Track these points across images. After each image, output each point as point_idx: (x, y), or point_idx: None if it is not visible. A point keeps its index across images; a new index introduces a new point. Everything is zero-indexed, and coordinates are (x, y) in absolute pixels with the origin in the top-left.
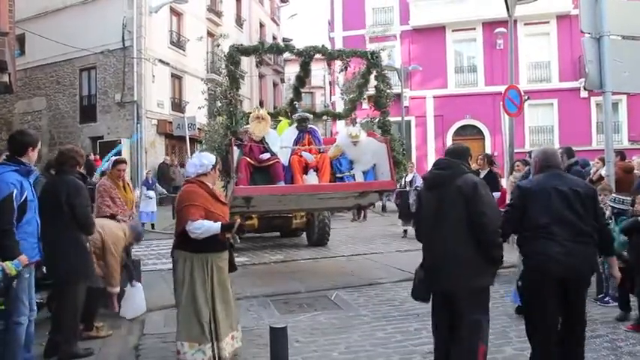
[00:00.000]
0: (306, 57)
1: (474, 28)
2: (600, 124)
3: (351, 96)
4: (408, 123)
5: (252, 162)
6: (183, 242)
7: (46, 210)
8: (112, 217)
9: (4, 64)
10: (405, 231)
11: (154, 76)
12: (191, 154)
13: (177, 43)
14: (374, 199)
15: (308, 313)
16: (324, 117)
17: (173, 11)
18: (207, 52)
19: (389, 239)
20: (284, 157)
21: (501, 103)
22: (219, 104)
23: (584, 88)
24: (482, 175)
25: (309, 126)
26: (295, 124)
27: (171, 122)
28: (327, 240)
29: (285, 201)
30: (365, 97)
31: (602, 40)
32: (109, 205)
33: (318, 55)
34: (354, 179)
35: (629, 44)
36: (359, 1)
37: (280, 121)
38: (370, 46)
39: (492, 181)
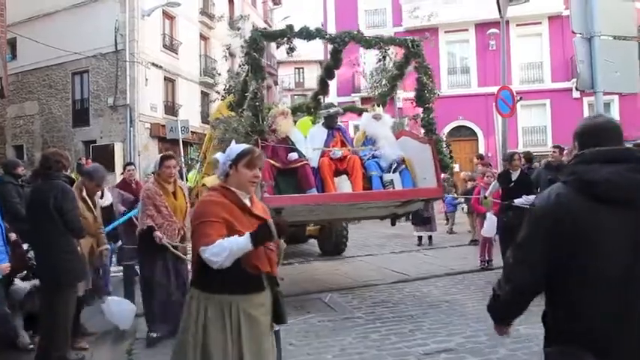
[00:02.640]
0: (339, 44)
1: (467, 30)
2: None
3: (381, 90)
4: (402, 124)
5: (277, 164)
6: (200, 277)
7: (35, 215)
8: (152, 230)
9: None
10: (420, 238)
11: (146, 79)
12: (184, 157)
13: (170, 47)
14: (415, 208)
15: (301, 315)
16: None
17: (166, 14)
18: (200, 55)
19: (383, 241)
20: (313, 160)
21: (494, 104)
22: (233, 97)
23: (576, 89)
24: (514, 177)
25: (338, 124)
26: (322, 122)
27: (164, 125)
28: (344, 249)
29: (317, 211)
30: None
31: (593, 41)
32: (152, 216)
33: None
34: (383, 182)
35: (620, 44)
36: (351, 2)
37: (300, 118)
38: (362, 49)
39: (528, 184)
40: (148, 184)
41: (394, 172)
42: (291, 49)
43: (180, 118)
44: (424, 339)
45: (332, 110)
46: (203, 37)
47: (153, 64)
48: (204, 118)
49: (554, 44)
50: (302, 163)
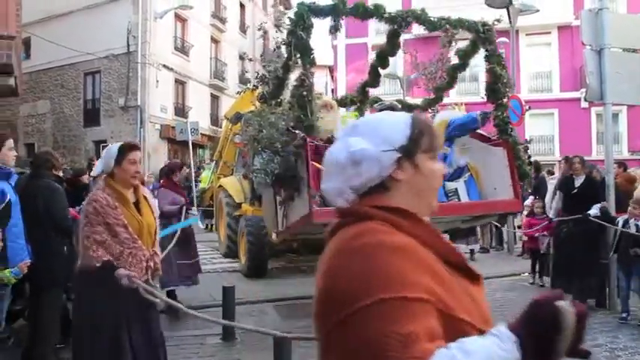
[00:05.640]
0: (400, 24)
1: None
2: (600, 135)
3: (439, 83)
4: None
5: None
6: None
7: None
8: (106, 267)
9: (10, 68)
10: (472, 251)
11: (157, 81)
12: (193, 159)
13: (182, 49)
14: (482, 223)
15: (309, 317)
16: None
17: (178, 17)
18: (211, 58)
19: None
20: None
21: None
22: (268, 88)
23: (585, 99)
24: (578, 184)
25: None
26: None
27: (174, 127)
28: None
29: None
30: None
31: (602, 53)
32: (104, 242)
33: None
34: (445, 191)
35: (628, 57)
36: None
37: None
38: (372, 55)
39: (597, 190)
40: (96, 192)
41: (457, 179)
42: (335, 28)
43: (190, 119)
44: None
45: (388, 103)
46: (214, 40)
47: (164, 65)
48: (214, 120)
49: (564, 54)
50: None
